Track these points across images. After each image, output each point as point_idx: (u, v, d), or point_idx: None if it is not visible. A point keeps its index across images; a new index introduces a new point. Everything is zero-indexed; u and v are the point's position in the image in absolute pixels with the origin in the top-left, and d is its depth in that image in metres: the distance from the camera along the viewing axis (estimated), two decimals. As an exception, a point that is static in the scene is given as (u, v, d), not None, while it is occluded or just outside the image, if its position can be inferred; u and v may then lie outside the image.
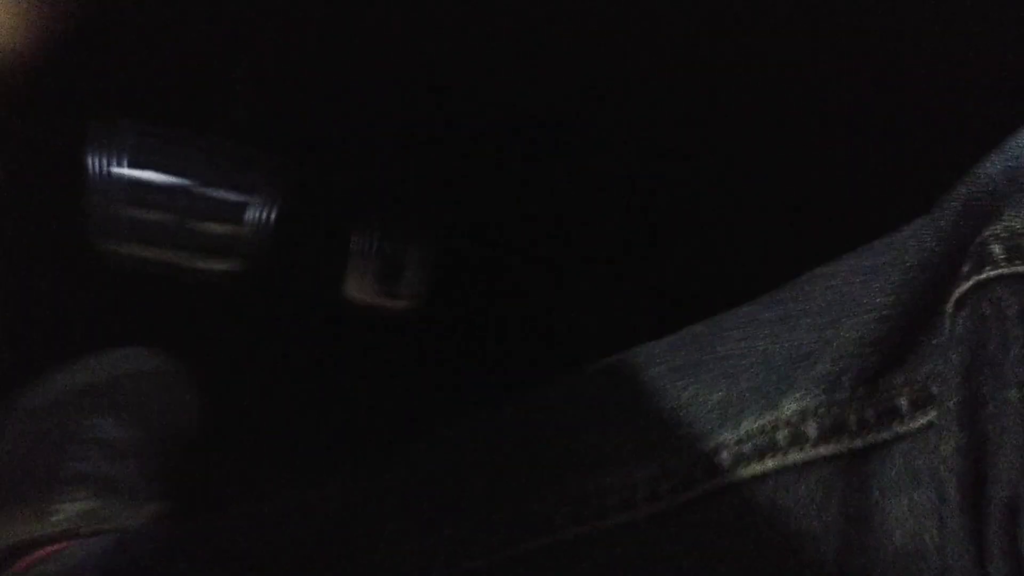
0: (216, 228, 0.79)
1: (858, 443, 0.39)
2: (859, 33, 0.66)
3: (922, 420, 0.39)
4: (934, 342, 0.40)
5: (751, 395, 0.41)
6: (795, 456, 0.40)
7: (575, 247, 0.91)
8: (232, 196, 0.79)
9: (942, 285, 0.40)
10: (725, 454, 0.40)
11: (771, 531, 0.39)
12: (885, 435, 0.39)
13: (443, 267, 0.91)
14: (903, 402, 0.39)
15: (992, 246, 0.38)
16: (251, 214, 0.79)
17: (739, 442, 0.41)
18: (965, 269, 0.39)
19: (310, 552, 0.46)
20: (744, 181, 0.78)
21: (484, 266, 0.94)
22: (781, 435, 0.40)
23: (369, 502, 0.46)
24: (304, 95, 0.84)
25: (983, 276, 0.38)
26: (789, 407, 0.40)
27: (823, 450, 0.39)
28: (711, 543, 0.41)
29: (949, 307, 0.39)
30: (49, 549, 0.62)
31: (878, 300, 0.40)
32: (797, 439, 0.40)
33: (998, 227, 0.38)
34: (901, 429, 0.39)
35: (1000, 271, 0.37)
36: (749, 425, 0.41)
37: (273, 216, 0.80)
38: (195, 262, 0.79)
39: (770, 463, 0.40)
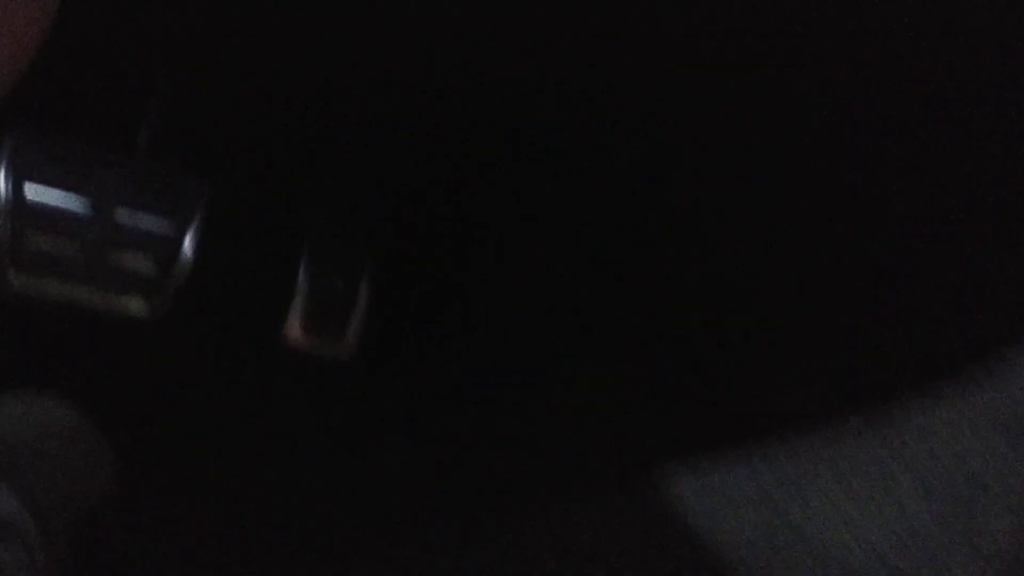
0: (135, 261, 0.68)
1: None
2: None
3: None
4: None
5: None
6: None
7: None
8: (155, 224, 0.69)
9: None
10: None
11: None
12: None
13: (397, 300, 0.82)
14: None
15: None
16: (177, 245, 0.69)
17: None
18: None
19: None
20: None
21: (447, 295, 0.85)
22: None
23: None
24: (241, 106, 0.74)
25: None
26: None
27: None
28: None
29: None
30: None
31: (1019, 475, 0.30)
32: None
33: None
34: None
35: None
36: None
37: (202, 247, 0.70)
38: (111, 300, 0.68)
39: None
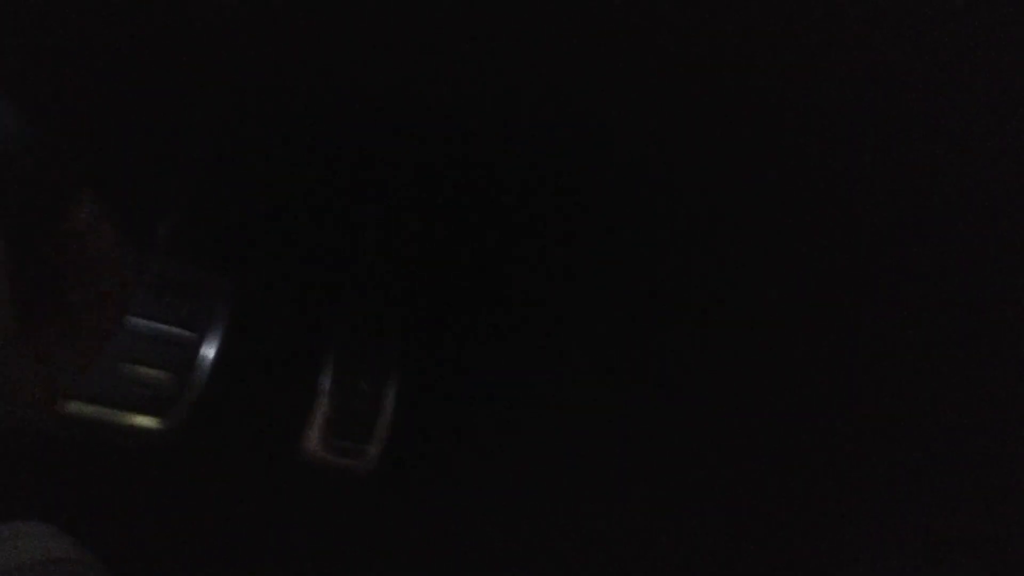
0: (150, 375, 0.62)
1: None
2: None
3: None
4: None
5: None
6: None
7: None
8: (172, 335, 0.62)
9: None
10: None
11: None
12: None
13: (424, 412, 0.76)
14: None
15: None
16: (193, 356, 0.63)
17: None
18: None
19: None
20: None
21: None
22: None
23: None
24: (266, 201, 0.68)
25: None
26: None
27: None
28: None
29: None
30: None
31: None
32: None
33: None
34: None
35: None
36: None
37: (221, 355, 0.63)
38: (121, 418, 0.61)
39: None
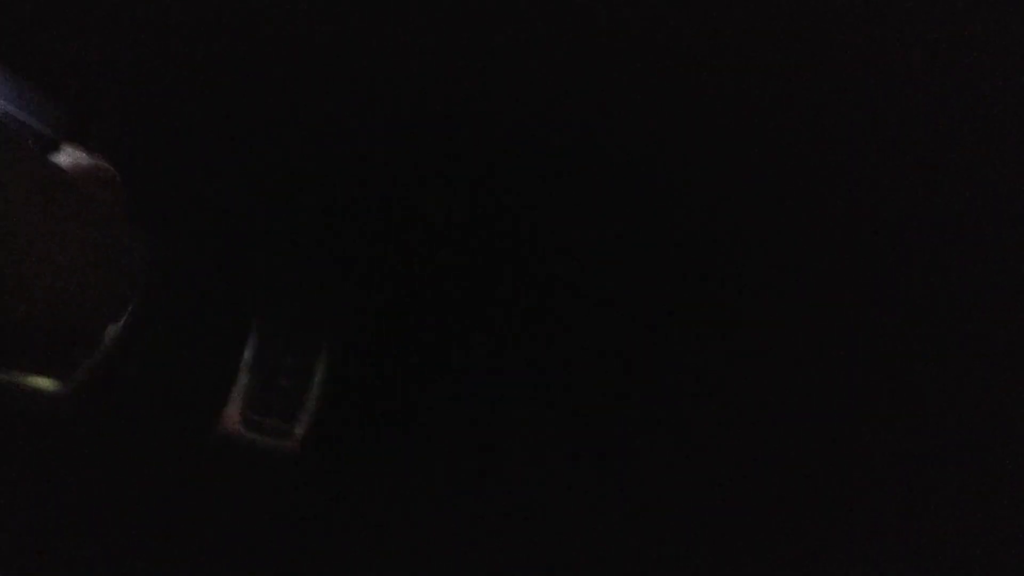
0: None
1: None
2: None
3: None
4: None
5: None
6: None
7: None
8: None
9: None
10: None
11: None
12: None
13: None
14: None
15: None
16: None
17: None
18: None
19: None
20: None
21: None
22: None
23: None
24: (189, 154, 0.64)
25: None
26: None
27: None
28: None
29: None
30: None
31: None
32: None
33: None
34: None
35: None
36: None
37: (132, 315, 0.59)
38: (16, 377, 0.56)
39: None
